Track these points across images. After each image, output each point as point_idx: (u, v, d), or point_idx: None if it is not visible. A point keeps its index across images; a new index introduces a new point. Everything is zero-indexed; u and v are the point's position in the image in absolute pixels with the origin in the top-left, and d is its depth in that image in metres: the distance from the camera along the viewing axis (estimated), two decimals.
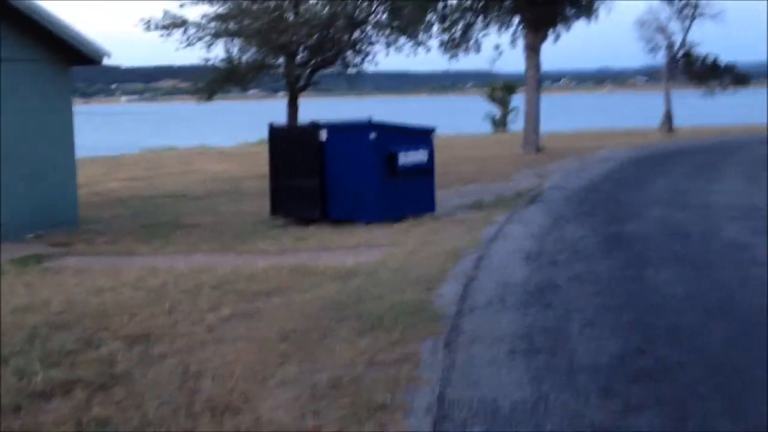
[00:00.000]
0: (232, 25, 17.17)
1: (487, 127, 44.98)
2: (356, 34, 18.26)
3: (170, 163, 26.19)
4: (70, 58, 13.45)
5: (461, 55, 26.99)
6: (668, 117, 34.51)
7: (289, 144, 13.11)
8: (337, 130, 12.72)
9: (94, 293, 7.97)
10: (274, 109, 19.88)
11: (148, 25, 17.19)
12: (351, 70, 18.80)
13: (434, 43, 24.13)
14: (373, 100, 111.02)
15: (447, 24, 26.16)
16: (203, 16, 17.27)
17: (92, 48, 13.50)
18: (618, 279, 7.70)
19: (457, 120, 47.82)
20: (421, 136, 13.08)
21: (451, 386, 5.06)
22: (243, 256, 10.21)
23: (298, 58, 18.04)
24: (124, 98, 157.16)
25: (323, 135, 12.70)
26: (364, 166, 12.40)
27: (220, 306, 7.26)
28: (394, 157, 12.37)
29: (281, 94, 18.47)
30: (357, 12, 17.66)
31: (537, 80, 25.13)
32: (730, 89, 36.32)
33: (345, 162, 12.54)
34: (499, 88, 44.41)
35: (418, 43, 19.01)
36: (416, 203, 12.85)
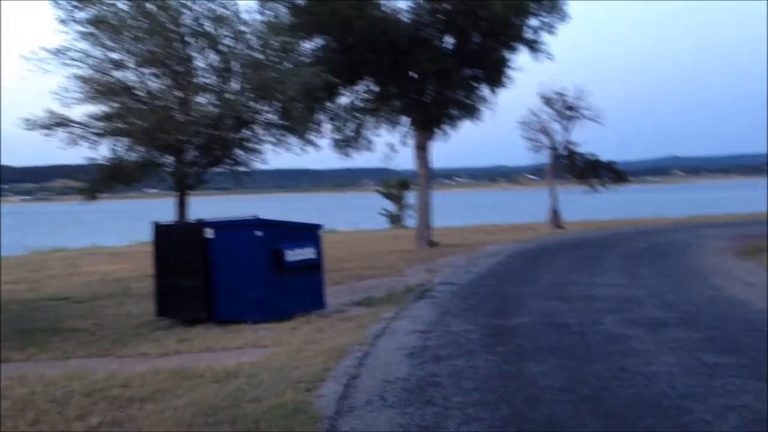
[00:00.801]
0: (117, 125, 16.99)
1: (385, 223, 45.59)
2: (245, 132, 18.34)
3: (57, 264, 25.34)
4: None
5: (353, 153, 27.51)
6: (554, 212, 35.79)
7: (173, 242, 12.88)
8: (223, 227, 12.59)
9: None
10: (166, 207, 19.54)
11: (30, 125, 16.84)
12: (240, 169, 18.80)
13: (324, 141, 24.54)
14: (270, 197, 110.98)
15: (338, 124, 26.74)
16: (88, 116, 17.04)
17: None
18: (497, 373, 7.76)
19: (356, 216, 48.35)
20: (308, 233, 13.10)
21: None
22: (122, 361, 9.85)
23: (187, 156, 17.93)
24: (17, 198, 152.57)
25: (208, 232, 12.56)
26: (250, 263, 12.27)
27: (89, 415, 6.94)
28: (280, 254, 12.30)
29: (174, 192, 18.22)
30: (245, 111, 17.79)
31: (427, 177, 25.75)
32: (611, 186, 38.06)
33: (231, 260, 12.38)
34: (393, 185, 45.29)
35: (308, 142, 19.26)
36: (305, 301, 12.76)
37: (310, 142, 19.45)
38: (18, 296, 17.34)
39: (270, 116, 18.52)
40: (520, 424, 6.11)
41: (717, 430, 5.83)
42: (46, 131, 17.13)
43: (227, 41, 17.49)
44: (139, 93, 17.58)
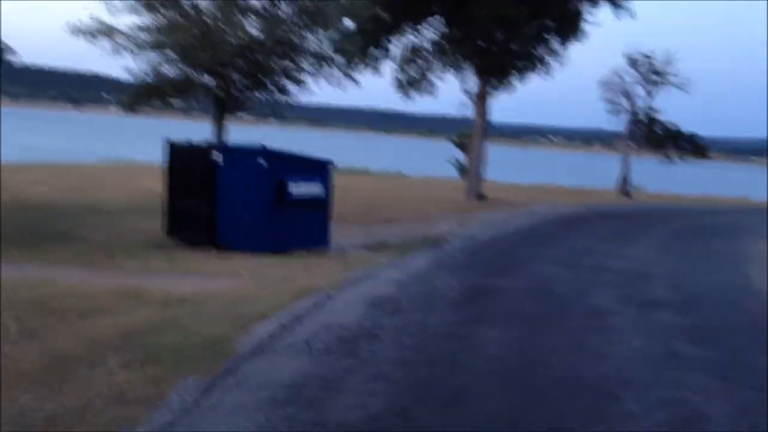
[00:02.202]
0: (161, 38, 16.84)
1: (455, 173, 44.78)
2: (288, 61, 17.97)
3: (116, 175, 25.75)
4: None
5: (415, 95, 26.87)
6: (624, 179, 34.42)
7: (184, 163, 12.72)
8: (232, 153, 12.34)
9: None
10: (203, 130, 19.41)
11: (75, 30, 16.84)
12: (281, 97, 18.49)
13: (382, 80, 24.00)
14: (332, 134, 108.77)
15: (400, 64, 26.07)
16: (133, 27, 16.96)
17: None
18: (442, 333, 7.32)
19: (430, 162, 47.59)
20: (317, 168, 12.71)
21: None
22: (99, 274, 9.79)
23: (228, 79, 17.69)
24: (113, 108, 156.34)
25: (218, 157, 12.34)
26: (252, 193, 12.02)
27: (15, 322, 6.82)
28: (283, 186, 11.98)
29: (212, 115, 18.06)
30: (290, 38, 17.39)
31: (483, 128, 24.94)
32: (689, 159, 36.35)
33: (236, 187, 12.15)
34: (466, 135, 44.33)
35: (349, 77, 18.73)
36: (307, 237, 12.48)
37: (350, 77, 18.95)
38: (60, 202, 17.54)
39: (314, 45, 18.07)
40: (425, 390, 5.68)
41: (632, 425, 5.27)
42: (90, 38, 17.09)
43: None
44: (186, 8, 17.35)
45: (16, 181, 20.34)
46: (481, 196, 24.39)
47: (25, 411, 4.88)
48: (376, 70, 24.49)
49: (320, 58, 18.31)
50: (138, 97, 17.97)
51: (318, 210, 12.60)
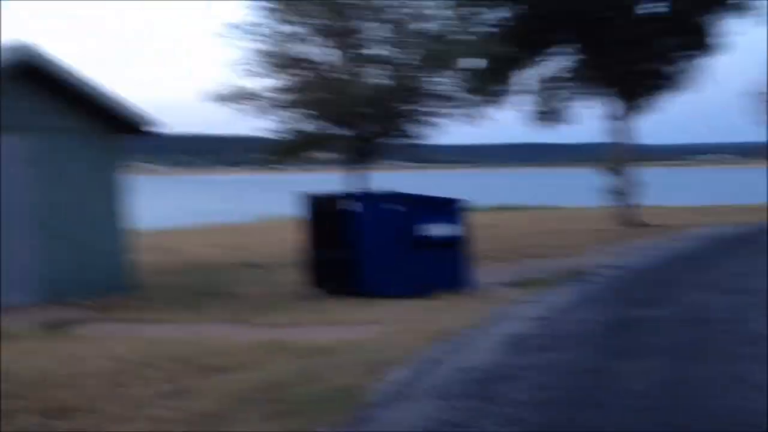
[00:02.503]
0: (295, 97, 17.50)
1: (598, 200, 43.55)
2: (419, 104, 18.20)
3: (266, 231, 26.72)
4: (117, 128, 13.95)
5: (554, 125, 26.55)
6: None
7: (323, 214, 13.04)
8: (367, 200, 12.56)
9: (63, 362, 8.01)
10: (338, 181, 19.82)
11: (212, 96, 17.76)
12: (414, 141, 18.70)
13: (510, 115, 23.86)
14: (460, 173, 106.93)
15: (536, 96, 25.85)
16: (264, 88, 17.74)
17: (136, 117, 14.00)
18: (580, 370, 7.03)
19: (564, 192, 46.54)
20: (451, 208, 12.74)
21: None
22: (250, 328, 10.13)
23: (360, 129, 18.08)
24: (253, 167, 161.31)
25: (355, 205, 12.58)
26: (388, 238, 12.20)
27: (168, 380, 7.11)
28: (419, 230, 12.08)
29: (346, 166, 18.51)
30: (417, 82, 17.63)
31: (631, 151, 24.13)
32: None
33: (373, 234, 12.36)
34: (616, 160, 42.99)
35: (480, 115, 18.73)
36: (448, 277, 12.41)
37: (482, 115, 18.92)
38: (220, 259, 18.27)
39: (443, 87, 18.23)
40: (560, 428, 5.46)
41: None
42: (232, 103, 18.00)
43: (399, 12, 17.40)
44: (315, 65, 17.99)
45: (181, 244, 21.57)
46: (635, 223, 23.55)
47: None
48: (500, 104, 24.38)
49: (447, 99, 18.43)
50: (278, 154, 18.70)
51: (456, 250, 12.57)
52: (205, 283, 14.36)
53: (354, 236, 12.49)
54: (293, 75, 17.68)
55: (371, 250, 12.35)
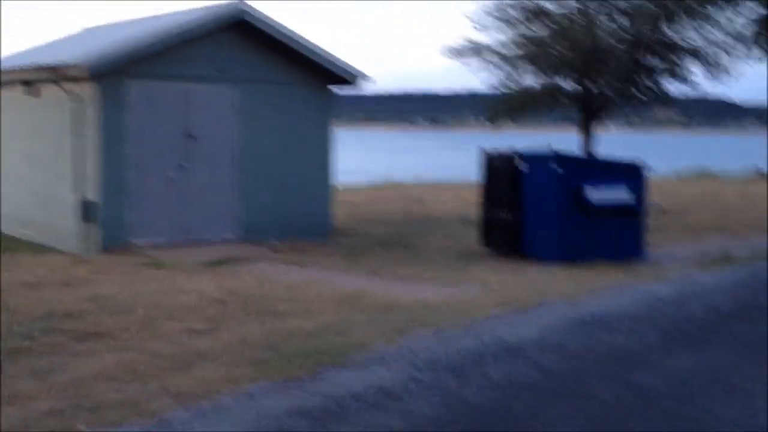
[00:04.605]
0: (531, 50, 16.81)
1: None
2: (660, 59, 16.56)
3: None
4: (331, 82, 14.63)
5: None
6: None
7: (495, 173, 12.61)
8: (534, 160, 11.88)
9: (169, 292, 8.77)
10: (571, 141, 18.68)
11: (451, 53, 17.65)
12: (656, 98, 17.04)
13: None
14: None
15: None
16: (499, 42, 17.24)
17: (346, 70, 14.52)
18: (643, 362, 6.21)
19: None
20: (624, 173, 11.60)
21: None
22: (376, 278, 10.24)
23: (596, 84, 16.95)
24: (613, 127, 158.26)
25: (521, 165, 12.01)
26: (549, 200, 11.47)
27: (213, 320, 7.44)
28: (581, 193, 11.20)
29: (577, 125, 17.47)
30: (660, 35, 16.02)
31: None
32: None
33: (535, 196, 11.72)
34: None
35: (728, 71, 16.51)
36: (614, 247, 11.43)
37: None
38: (418, 215, 18.31)
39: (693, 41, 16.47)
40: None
41: None
42: (464, 58, 17.86)
43: None
44: (553, 17, 17.19)
45: (382, 198, 21.90)
46: None
47: None
48: None
49: (696, 53, 16.65)
50: (501, 111, 18.26)
51: (627, 218, 11.51)
52: (386, 235, 14.62)
53: (518, 197, 11.97)
54: (529, 28, 17.06)
55: (532, 212, 11.74)
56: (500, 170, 12.45)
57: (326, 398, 5.14)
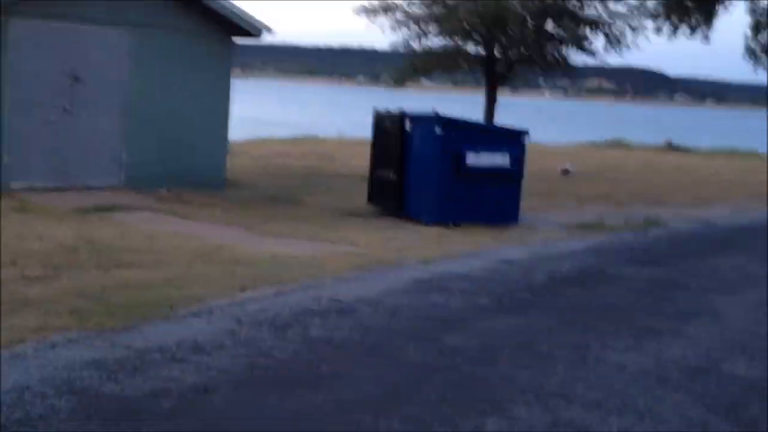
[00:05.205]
0: (436, 10, 16.80)
1: None
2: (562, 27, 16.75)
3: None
4: (232, 33, 14.37)
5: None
6: None
7: (385, 133, 12.67)
8: (417, 121, 11.96)
9: (25, 237, 8.63)
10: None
11: (361, 11, 17.53)
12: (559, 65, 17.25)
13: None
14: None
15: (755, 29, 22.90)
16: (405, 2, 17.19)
17: (252, 23, 14.30)
18: (447, 327, 6.37)
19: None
20: (505, 138, 11.77)
21: None
22: (248, 233, 10.23)
23: (502, 48, 17.08)
24: (548, 93, 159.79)
25: (407, 125, 12.08)
26: (430, 162, 11.58)
27: (54, 267, 7.33)
28: (461, 157, 11.33)
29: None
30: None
31: None
32: None
33: (419, 156, 11.84)
34: None
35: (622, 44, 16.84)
36: (492, 211, 11.61)
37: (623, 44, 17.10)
38: (305, 170, 18.27)
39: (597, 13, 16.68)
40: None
41: None
42: (373, 16, 17.74)
43: None
44: None
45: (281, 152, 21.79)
46: None
47: None
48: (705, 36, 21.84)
49: (600, 25, 16.88)
50: (407, 71, 18.26)
51: (505, 182, 11.69)
52: (278, 190, 14.58)
53: (402, 157, 12.06)
54: None
55: (414, 173, 11.86)
56: (388, 130, 12.51)
57: (130, 351, 5.16)
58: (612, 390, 5.01)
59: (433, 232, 10.76)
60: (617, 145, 35.97)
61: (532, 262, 8.81)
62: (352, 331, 5.97)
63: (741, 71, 21.98)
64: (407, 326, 6.20)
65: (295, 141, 29.27)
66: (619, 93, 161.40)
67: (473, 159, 11.41)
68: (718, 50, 32.56)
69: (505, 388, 4.98)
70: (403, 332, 6.03)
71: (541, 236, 10.75)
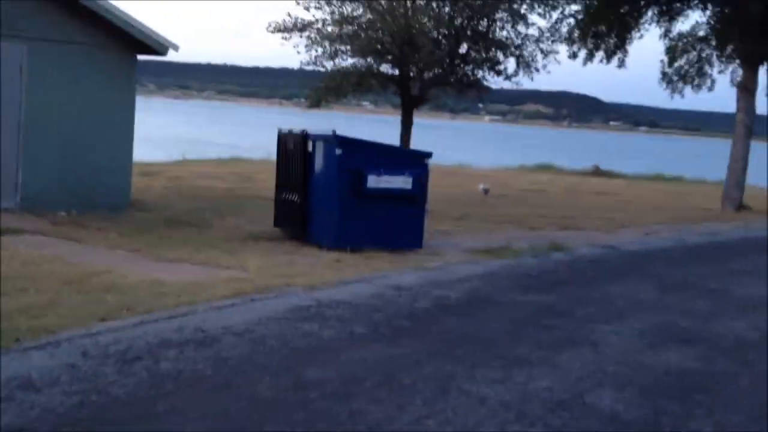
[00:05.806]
0: (349, 31, 16.66)
1: None
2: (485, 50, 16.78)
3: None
4: (136, 49, 13.99)
5: (686, 90, 23.89)
6: None
7: (287, 153, 12.39)
8: (318, 142, 11.68)
9: None
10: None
11: (273, 28, 17.31)
12: (472, 88, 17.26)
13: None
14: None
15: (670, 53, 23.32)
16: (323, 21, 17.00)
17: (156, 40, 13.95)
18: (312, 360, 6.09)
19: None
20: (408, 160, 11.61)
21: None
22: (138, 258, 9.84)
23: (415, 70, 16.99)
24: (487, 118, 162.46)
25: (310, 146, 11.82)
26: (330, 184, 11.30)
27: None
28: (361, 178, 11.09)
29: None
30: (477, 25, 16.19)
31: (747, 126, 21.12)
32: None
33: (320, 178, 11.56)
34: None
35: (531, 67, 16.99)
36: (394, 235, 11.35)
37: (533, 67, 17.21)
38: (214, 192, 17.92)
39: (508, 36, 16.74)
40: None
41: None
42: (285, 35, 17.51)
43: None
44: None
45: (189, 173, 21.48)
46: (741, 206, 20.75)
47: None
48: (621, 61, 22.21)
49: (512, 48, 16.92)
50: (320, 91, 18.04)
51: (407, 206, 11.48)
52: (187, 212, 14.17)
53: (306, 179, 11.79)
54: (343, 7, 16.86)
55: (319, 197, 11.57)
56: (291, 151, 12.23)
57: None
58: (465, 426, 4.79)
59: (331, 257, 10.48)
60: (546, 169, 36.40)
61: (422, 288, 8.58)
62: (207, 364, 5.65)
63: (673, 98, 22.29)
64: (268, 358, 5.90)
65: (220, 162, 28.95)
66: (556, 118, 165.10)
67: (374, 181, 11.18)
68: (648, 77, 33.17)
69: (354, 425, 4.72)
70: (262, 365, 5.73)
71: (440, 261, 10.55)
